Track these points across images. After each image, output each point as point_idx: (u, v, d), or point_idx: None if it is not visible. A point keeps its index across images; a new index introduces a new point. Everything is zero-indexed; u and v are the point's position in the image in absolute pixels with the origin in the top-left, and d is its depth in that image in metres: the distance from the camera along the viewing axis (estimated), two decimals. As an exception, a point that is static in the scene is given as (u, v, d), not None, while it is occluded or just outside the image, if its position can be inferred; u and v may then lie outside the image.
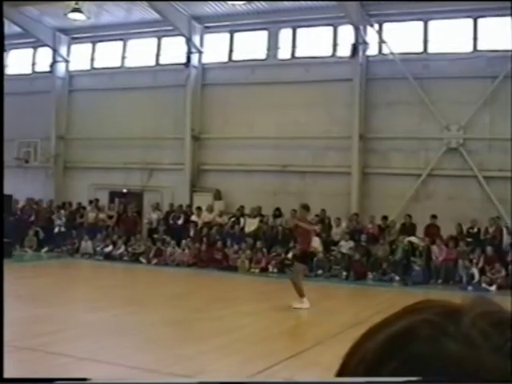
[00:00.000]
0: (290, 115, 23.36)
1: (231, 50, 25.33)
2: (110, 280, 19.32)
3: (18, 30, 26.25)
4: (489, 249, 19.32)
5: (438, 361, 0.62)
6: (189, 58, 25.16)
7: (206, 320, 11.94)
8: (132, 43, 27.01)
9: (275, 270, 20.88)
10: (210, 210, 23.68)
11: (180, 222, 23.87)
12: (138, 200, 25.96)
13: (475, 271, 18.99)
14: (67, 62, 28.17)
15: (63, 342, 9.68)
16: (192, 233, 23.08)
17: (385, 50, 22.71)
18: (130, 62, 27.04)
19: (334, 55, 23.65)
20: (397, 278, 19.65)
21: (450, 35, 21.83)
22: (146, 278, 20.15)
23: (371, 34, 22.92)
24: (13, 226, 24.68)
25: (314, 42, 23.82)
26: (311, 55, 23.81)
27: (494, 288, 18.33)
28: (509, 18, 20.10)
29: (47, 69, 27.85)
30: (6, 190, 23.77)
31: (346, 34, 23.02)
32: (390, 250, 20.40)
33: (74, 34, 27.64)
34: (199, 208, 23.78)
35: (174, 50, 25.92)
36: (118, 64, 27.25)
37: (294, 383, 7.48)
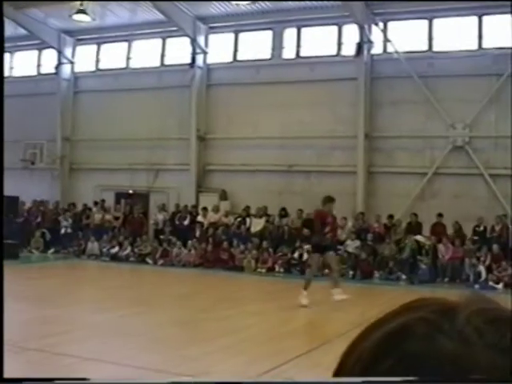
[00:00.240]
0: (295, 115, 23.34)
1: (236, 50, 25.33)
2: (116, 281, 19.34)
3: (23, 31, 26.33)
4: (495, 247, 19.27)
5: (433, 358, 0.62)
6: (193, 59, 25.18)
7: (212, 320, 11.94)
8: (137, 44, 27.04)
9: (281, 270, 20.89)
10: (216, 210, 23.69)
11: (186, 222, 23.88)
12: (143, 201, 25.98)
13: (482, 269, 18.95)
14: (72, 63, 28.23)
15: (70, 342, 9.70)
16: (198, 233, 23.10)
17: (389, 49, 22.69)
18: (134, 63, 27.08)
19: (338, 54, 23.63)
20: (403, 276, 19.63)
21: (455, 33, 21.78)
22: (153, 279, 20.16)
23: (376, 33, 22.89)
24: (19, 228, 24.78)
25: (319, 41, 23.80)
26: (316, 54, 23.78)
27: (500, 286, 18.27)
28: (514, 16, 20.07)
29: (52, 70, 27.91)
30: (13, 192, 23.88)
31: (351, 33, 23.00)
32: (396, 249, 20.37)
33: (79, 36, 27.69)
34: (205, 208, 23.79)
35: (178, 50, 25.92)
36: (123, 65, 27.29)
37: (294, 383, 7.47)
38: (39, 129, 26.87)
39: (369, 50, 22.82)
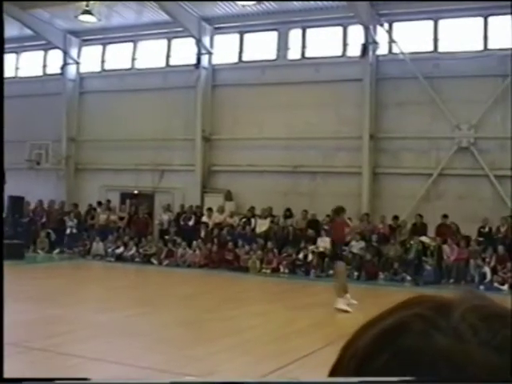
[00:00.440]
0: (301, 115, 23.33)
1: (241, 51, 25.33)
2: (121, 281, 19.36)
3: (29, 32, 26.40)
4: (500, 248, 19.22)
5: (427, 354, 0.62)
6: (199, 59, 25.19)
7: (217, 320, 11.94)
8: (142, 45, 27.07)
9: (286, 271, 20.88)
10: (221, 210, 23.70)
11: (191, 223, 23.88)
12: (149, 201, 26.00)
13: (487, 270, 18.91)
14: (78, 64, 28.27)
15: (74, 342, 9.72)
16: (203, 234, 23.10)
17: (395, 50, 22.67)
18: (140, 64, 27.11)
19: (343, 55, 23.62)
20: (408, 277, 19.61)
21: (461, 34, 21.74)
22: (158, 279, 20.18)
23: (381, 34, 22.86)
24: (25, 228, 24.85)
25: (324, 42, 23.79)
26: (321, 55, 23.77)
27: (506, 287, 18.23)
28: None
29: (58, 71, 27.97)
30: (18, 192, 23.98)
31: (356, 33, 22.97)
32: (401, 250, 20.34)
33: (85, 36, 27.73)
34: (210, 209, 23.80)
35: (184, 51, 25.94)
36: (129, 65, 27.32)
37: (294, 383, 7.47)
38: (45, 129, 26.90)
39: (374, 51, 22.79)
